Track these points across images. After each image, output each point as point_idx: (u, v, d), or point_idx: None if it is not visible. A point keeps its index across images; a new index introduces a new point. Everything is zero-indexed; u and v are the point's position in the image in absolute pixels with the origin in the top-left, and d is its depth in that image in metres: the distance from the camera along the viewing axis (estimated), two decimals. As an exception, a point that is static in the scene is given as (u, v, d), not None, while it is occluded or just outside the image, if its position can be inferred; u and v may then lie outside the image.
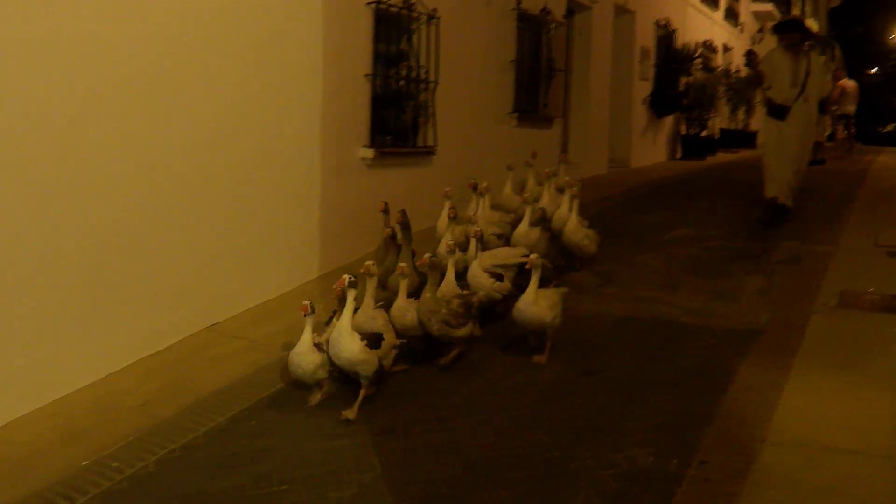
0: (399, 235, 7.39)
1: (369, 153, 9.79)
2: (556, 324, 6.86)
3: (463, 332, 6.66)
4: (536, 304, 6.71)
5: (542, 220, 8.54)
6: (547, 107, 15.38)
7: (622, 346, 7.30)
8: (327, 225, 8.95)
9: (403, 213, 7.28)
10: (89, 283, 6.28)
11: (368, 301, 6.34)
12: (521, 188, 10.68)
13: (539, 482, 5.01)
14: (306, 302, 5.90)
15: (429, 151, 11.17)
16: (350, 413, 5.85)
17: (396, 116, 10.84)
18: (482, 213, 9.00)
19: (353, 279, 5.97)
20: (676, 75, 22.70)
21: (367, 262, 6.37)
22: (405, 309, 6.56)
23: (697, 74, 23.76)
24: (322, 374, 6.01)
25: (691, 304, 8.39)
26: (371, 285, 6.40)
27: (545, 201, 9.58)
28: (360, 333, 5.91)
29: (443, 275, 6.90)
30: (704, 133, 24.28)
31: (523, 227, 8.66)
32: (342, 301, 6.00)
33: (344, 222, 9.17)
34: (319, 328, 6.21)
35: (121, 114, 6.42)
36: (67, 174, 6.07)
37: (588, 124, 17.56)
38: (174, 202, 6.97)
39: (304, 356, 5.92)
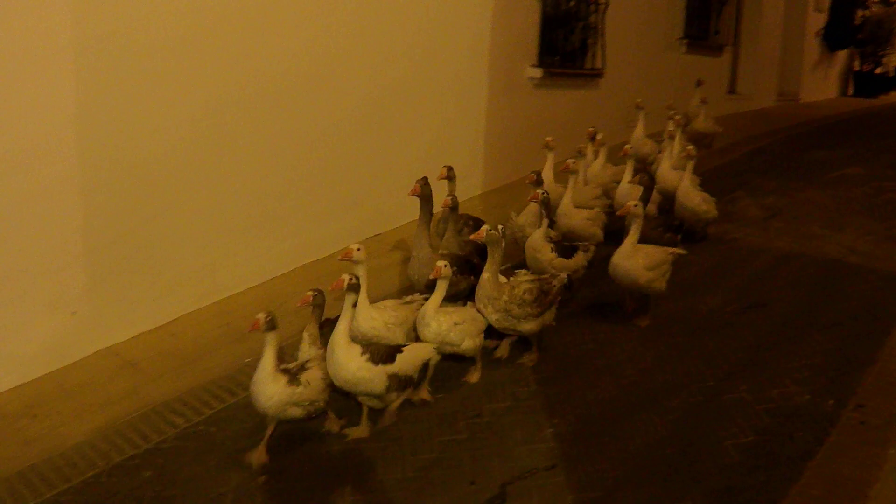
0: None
1: (537, 73, 9.79)
2: (656, 287, 6.13)
3: (530, 325, 5.49)
4: (632, 258, 6.00)
5: (643, 174, 7.71)
6: (718, 34, 14.96)
7: (785, 282, 7.19)
8: (492, 143, 9.03)
9: (424, 181, 6.04)
10: (262, 193, 6.61)
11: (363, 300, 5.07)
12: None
13: (691, 410, 5.07)
14: (261, 315, 4.52)
15: (596, 74, 11.06)
16: (361, 431, 4.88)
17: (565, 37, 10.74)
18: (596, 168, 8.22)
19: (354, 280, 4.78)
20: (853, 8, 21.62)
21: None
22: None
23: (875, 8, 22.58)
24: (296, 411, 4.60)
25: (858, 244, 8.17)
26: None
27: (666, 155, 8.54)
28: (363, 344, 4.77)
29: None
30: (879, 70, 23.13)
31: (623, 184, 7.70)
32: (317, 309, 4.90)
33: (508, 141, 9.24)
34: (314, 342, 4.91)
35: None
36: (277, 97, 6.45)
37: (758, 55, 16.99)
38: (348, 121, 7.19)
39: (264, 386, 4.49)
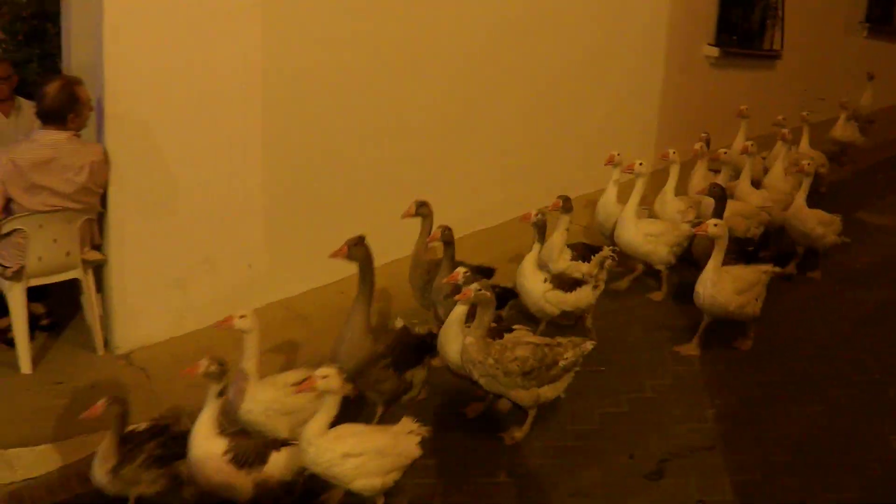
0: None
1: (714, 52, 9.69)
2: (748, 313, 5.50)
3: (521, 395, 4.53)
4: (717, 285, 5.35)
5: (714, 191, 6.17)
6: (904, 18, 14.37)
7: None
8: (666, 120, 9.02)
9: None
10: (435, 157, 6.81)
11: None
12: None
13: (854, 401, 5.02)
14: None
15: (774, 55, 10.84)
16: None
17: (744, 16, 10.57)
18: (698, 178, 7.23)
19: (214, 368, 3.89)
20: None
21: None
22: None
23: None
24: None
25: None
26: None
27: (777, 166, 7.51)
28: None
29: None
30: None
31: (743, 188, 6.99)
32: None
33: (682, 119, 9.20)
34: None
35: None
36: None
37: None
38: (528, 96, 7.38)
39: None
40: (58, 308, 5.93)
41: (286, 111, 5.83)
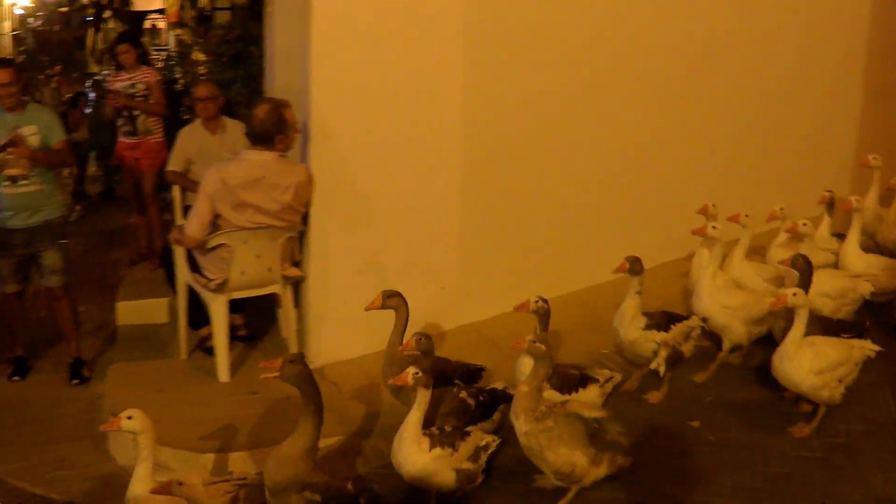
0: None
1: (916, 78, 9.22)
2: (824, 396, 4.70)
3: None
4: (794, 359, 4.62)
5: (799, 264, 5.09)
6: None
7: None
8: (865, 151, 8.59)
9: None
10: (635, 186, 6.68)
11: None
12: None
13: None
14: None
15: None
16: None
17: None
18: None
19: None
20: None
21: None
22: None
23: None
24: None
25: None
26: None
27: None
28: None
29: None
30: None
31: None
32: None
33: (884, 150, 8.69)
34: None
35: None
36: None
37: None
38: (717, 114, 7.19)
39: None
40: (255, 320, 6.19)
41: (485, 135, 5.89)
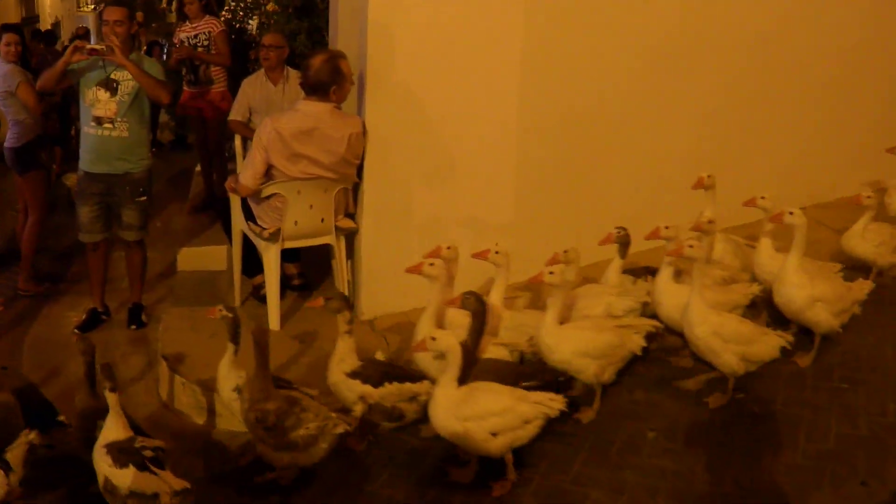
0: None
1: None
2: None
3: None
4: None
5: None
6: None
7: None
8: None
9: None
10: (695, 159, 6.49)
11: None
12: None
13: None
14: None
15: None
16: None
17: None
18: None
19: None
20: None
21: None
22: None
23: None
24: None
25: None
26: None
27: None
28: None
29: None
30: None
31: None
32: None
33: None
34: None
35: None
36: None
37: None
38: (786, 83, 7.01)
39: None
40: (312, 271, 6.25)
41: (543, 91, 5.80)
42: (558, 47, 5.78)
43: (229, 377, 4.41)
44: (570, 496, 4.00)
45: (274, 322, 5.53)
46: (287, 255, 5.76)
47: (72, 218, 6.62)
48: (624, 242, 5.12)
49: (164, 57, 12.70)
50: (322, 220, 5.51)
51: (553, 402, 3.95)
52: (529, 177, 5.92)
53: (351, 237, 5.75)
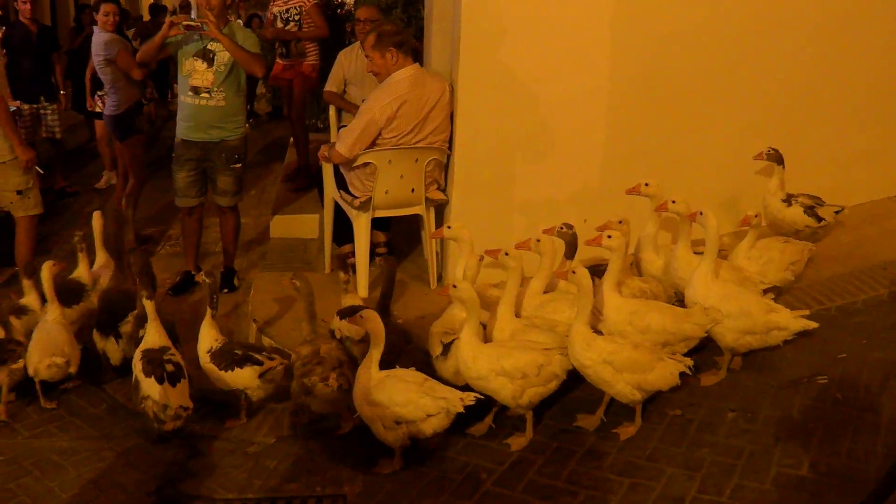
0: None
1: None
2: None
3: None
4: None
5: None
6: None
7: None
8: None
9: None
10: (783, 128, 6.40)
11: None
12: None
13: None
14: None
15: None
16: None
17: None
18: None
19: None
20: None
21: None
22: None
23: None
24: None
25: None
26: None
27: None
28: None
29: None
30: None
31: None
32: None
33: None
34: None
35: None
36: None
37: None
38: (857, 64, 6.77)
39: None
40: (403, 240, 6.30)
41: (632, 70, 5.75)
42: (647, 19, 5.72)
43: (206, 339, 4.64)
44: (644, 472, 3.98)
45: (362, 289, 5.59)
46: (379, 224, 5.82)
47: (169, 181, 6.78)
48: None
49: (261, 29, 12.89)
50: (412, 189, 5.55)
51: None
52: (617, 151, 5.87)
53: (441, 209, 5.78)
